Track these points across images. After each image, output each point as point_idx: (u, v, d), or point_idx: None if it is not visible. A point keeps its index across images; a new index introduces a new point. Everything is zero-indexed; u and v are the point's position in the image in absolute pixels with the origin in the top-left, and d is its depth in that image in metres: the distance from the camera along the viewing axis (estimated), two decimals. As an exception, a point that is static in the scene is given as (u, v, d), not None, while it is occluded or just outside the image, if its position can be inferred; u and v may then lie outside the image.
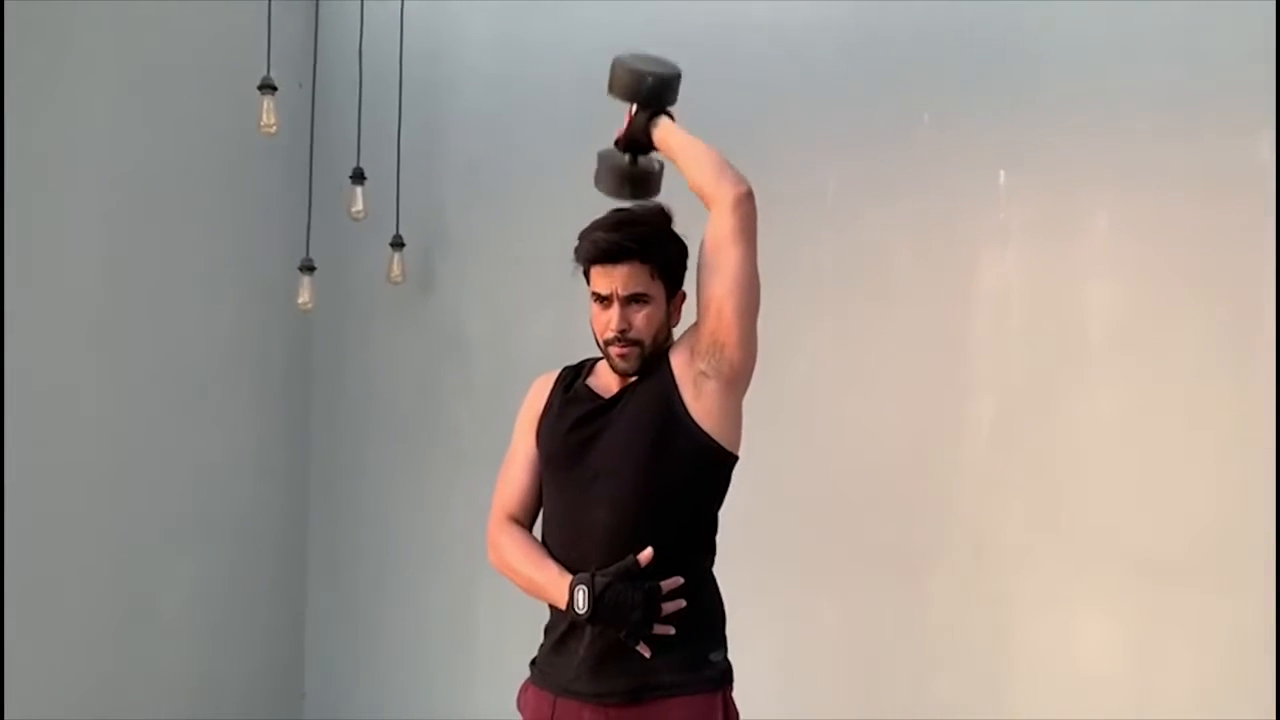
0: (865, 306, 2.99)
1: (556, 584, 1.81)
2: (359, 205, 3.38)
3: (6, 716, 2.71)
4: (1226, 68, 2.65)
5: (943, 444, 2.90)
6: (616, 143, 1.97)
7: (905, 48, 2.97)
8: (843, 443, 2.99)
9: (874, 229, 2.98)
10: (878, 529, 2.94)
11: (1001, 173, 2.88)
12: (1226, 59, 2.65)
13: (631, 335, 1.85)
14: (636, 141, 1.94)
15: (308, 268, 3.39)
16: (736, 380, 1.86)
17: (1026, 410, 2.82)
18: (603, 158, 2.00)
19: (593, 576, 1.77)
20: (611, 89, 1.94)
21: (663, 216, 1.90)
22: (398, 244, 3.44)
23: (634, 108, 1.94)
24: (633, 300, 1.85)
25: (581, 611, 1.76)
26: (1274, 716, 2.48)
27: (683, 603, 1.79)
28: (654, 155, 1.98)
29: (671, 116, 1.94)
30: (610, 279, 1.84)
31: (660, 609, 1.77)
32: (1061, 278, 2.81)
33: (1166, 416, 2.68)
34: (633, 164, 1.97)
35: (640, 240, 1.84)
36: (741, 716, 1.89)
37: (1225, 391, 2.63)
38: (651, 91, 1.90)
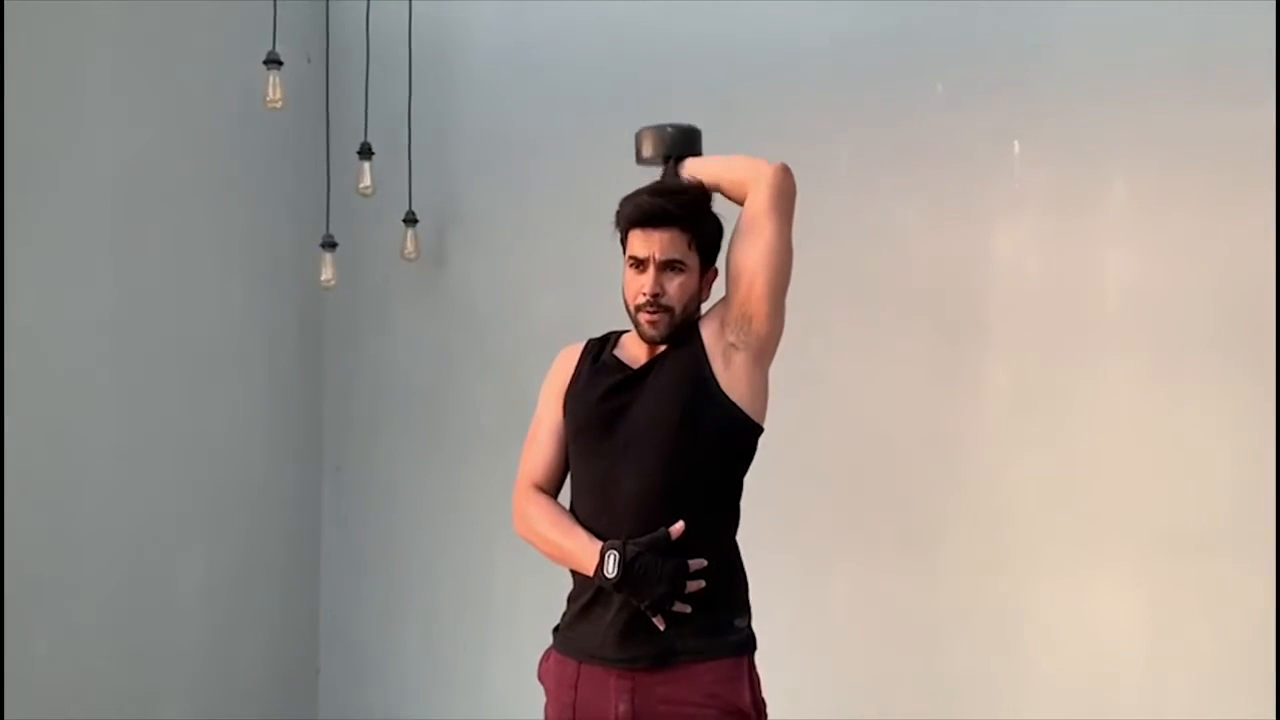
0: (880, 277, 2.98)
1: (586, 550, 1.83)
2: (366, 181, 3.37)
3: (26, 697, 2.72)
4: (1242, 35, 2.64)
5: (958, 415, 2.90)
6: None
7: (917, 17, 2.95)
8: (857, 414, 2.99)
9: (888, 199, 2.97)
10: (893, 500, 2.95)
11: (1016, 142, 2.87)
12: (1242, 26, 2.64)
13: (664, 301, 1.87)
14: None
15: (329, 244, 3.38)
16: (764, 352, 1.89)
17: (1043, 381, 2.82)
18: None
19: (625, 544, 1.79)
20: (640, 157, 2.04)
21: (704, 190, 1.93)
22: (410, 220, 3.43)
23: (663, 164, 2.01)
24: (668, 266, 1.87)
25: (611, 576, 1.78)
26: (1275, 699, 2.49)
27: (703, 583, 1.81)
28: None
29: None
30: (650, 243, 1.86)
31: (685, 586, 1.79)
32: (1078, 247, 2.81)
33: (1185, 385, 2.68)
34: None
35: (684, 208, 1.88)
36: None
37: (1244, 360, 2.62)
38: (675, 141, 2.01)
